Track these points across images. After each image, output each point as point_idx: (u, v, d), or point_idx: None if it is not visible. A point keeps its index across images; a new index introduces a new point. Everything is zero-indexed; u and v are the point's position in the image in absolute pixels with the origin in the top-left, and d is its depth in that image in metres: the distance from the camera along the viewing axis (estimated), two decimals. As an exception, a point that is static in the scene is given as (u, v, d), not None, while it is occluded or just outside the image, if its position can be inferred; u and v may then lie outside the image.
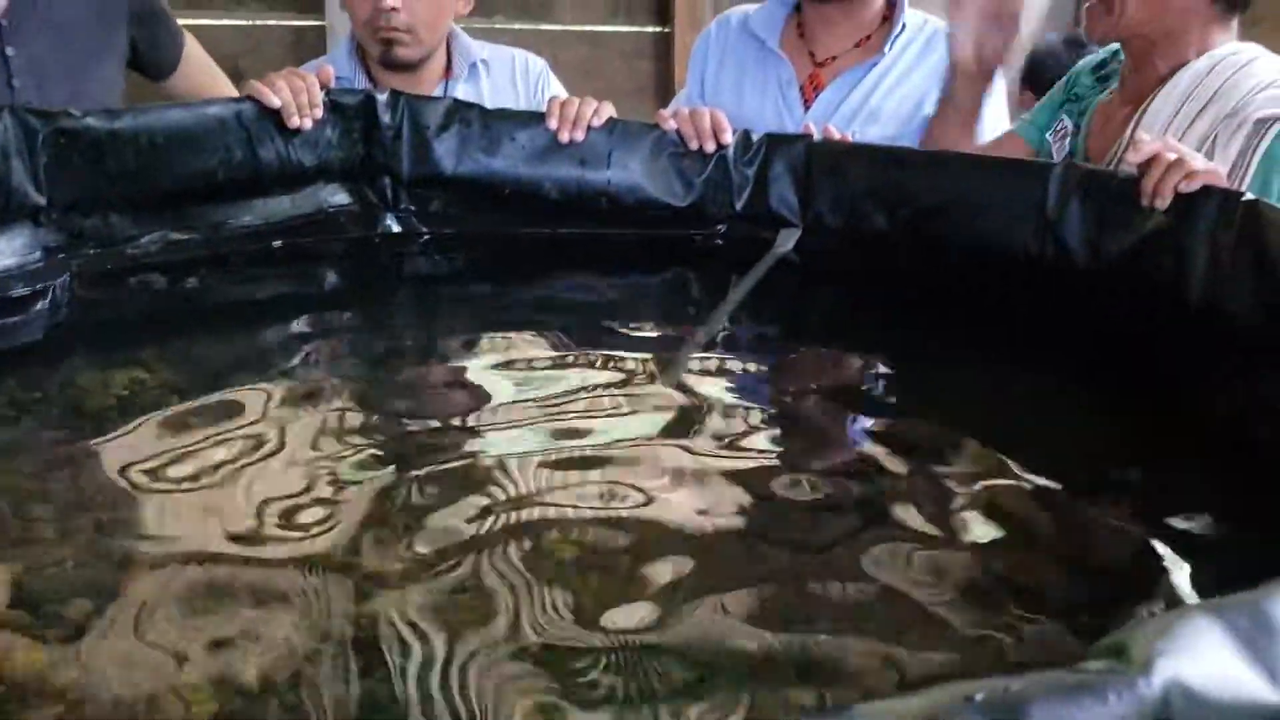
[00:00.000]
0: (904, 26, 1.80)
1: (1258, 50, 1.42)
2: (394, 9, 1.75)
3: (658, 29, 3.29)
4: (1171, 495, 1.00)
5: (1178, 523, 0.94)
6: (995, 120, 1.71)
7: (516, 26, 3.18)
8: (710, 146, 1.57)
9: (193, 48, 1.91)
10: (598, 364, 1.33)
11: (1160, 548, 0.90)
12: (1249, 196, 1.11)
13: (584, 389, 1.23)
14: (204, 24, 2.89)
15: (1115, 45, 1.58)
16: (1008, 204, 1.33)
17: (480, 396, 1.23)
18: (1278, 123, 1.31)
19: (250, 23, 2.98)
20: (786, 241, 1.56)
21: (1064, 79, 1.66)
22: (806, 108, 1.81)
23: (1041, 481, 1.02)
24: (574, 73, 3.20)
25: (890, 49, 1.79)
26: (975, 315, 1.37)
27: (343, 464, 1.02)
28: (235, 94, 1.72)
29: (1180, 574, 0.86)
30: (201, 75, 1.92)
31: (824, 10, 1.81)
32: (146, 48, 1.84)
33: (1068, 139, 1.54)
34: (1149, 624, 0.43)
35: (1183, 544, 0.90)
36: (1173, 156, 1.16)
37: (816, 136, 1.56)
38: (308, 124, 1.48)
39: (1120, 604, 0.84)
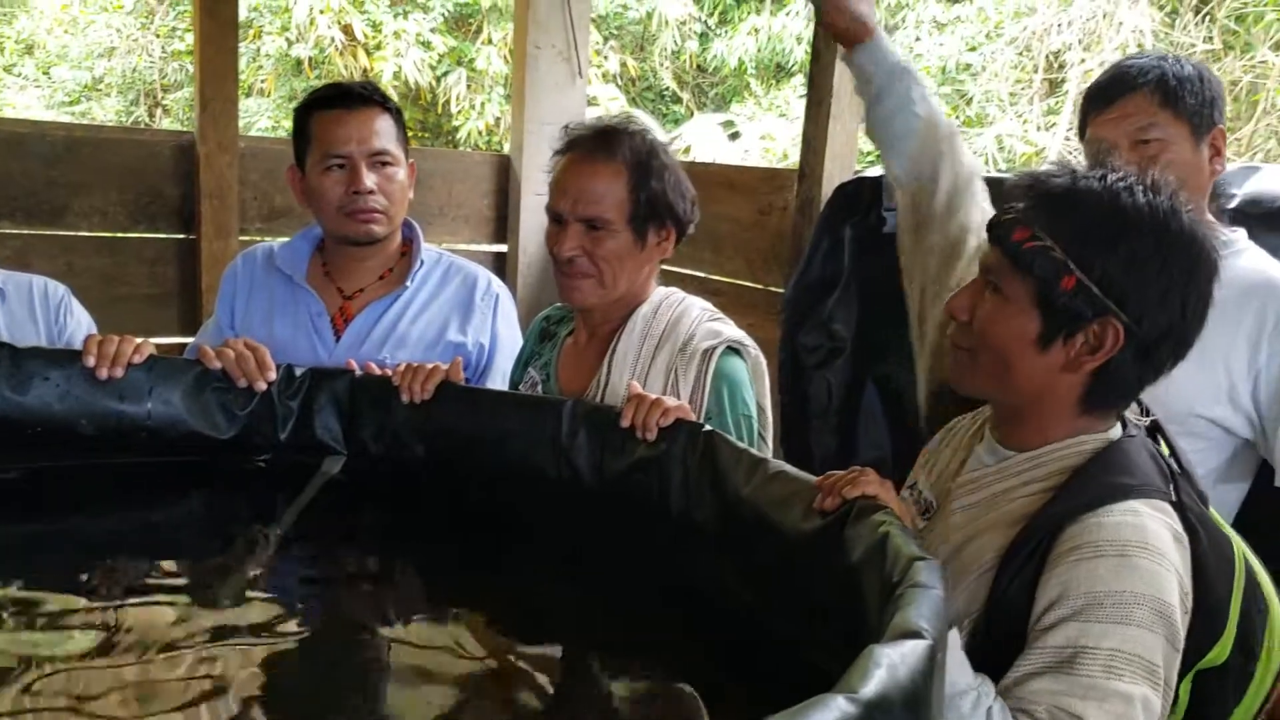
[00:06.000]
0: (422, 261, 2.01)
1: (680, 292, 1.80)
2: None
3: (182, 235, 3.27)
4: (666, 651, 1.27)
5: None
6: None
7: (26, 232, 3.02)
8: (257, 385, 1.65)
9: None
10: (137, 597, 1.33)
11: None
12: (708, 428, 1.43)
13: (122, 627, 1.23)
14: None
15: (550, 310, 1.93)
16: (529, 435, 1.56)
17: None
18: (717, 350, 1.68)
19: None
20: (331, 467, 1.68)
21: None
22: (338, 337, 1.95)
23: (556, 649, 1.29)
24: (93, 280, 3.11)
25: (412, 281, 1.99)
26: (504, 530, 1.57)
27: None
28: None
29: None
30: None
31: (348, 249, 1.97)
32: None
33: (538, 387, 1.82)
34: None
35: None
36: (652, 397, 1.46)
37: (358, 372, 1.71)
38: None
39: None
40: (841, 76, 2.66)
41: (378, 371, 1.71)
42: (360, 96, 1.88)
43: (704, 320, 1.71)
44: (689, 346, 1.67)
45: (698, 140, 8.76)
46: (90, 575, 1.39)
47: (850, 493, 1.14)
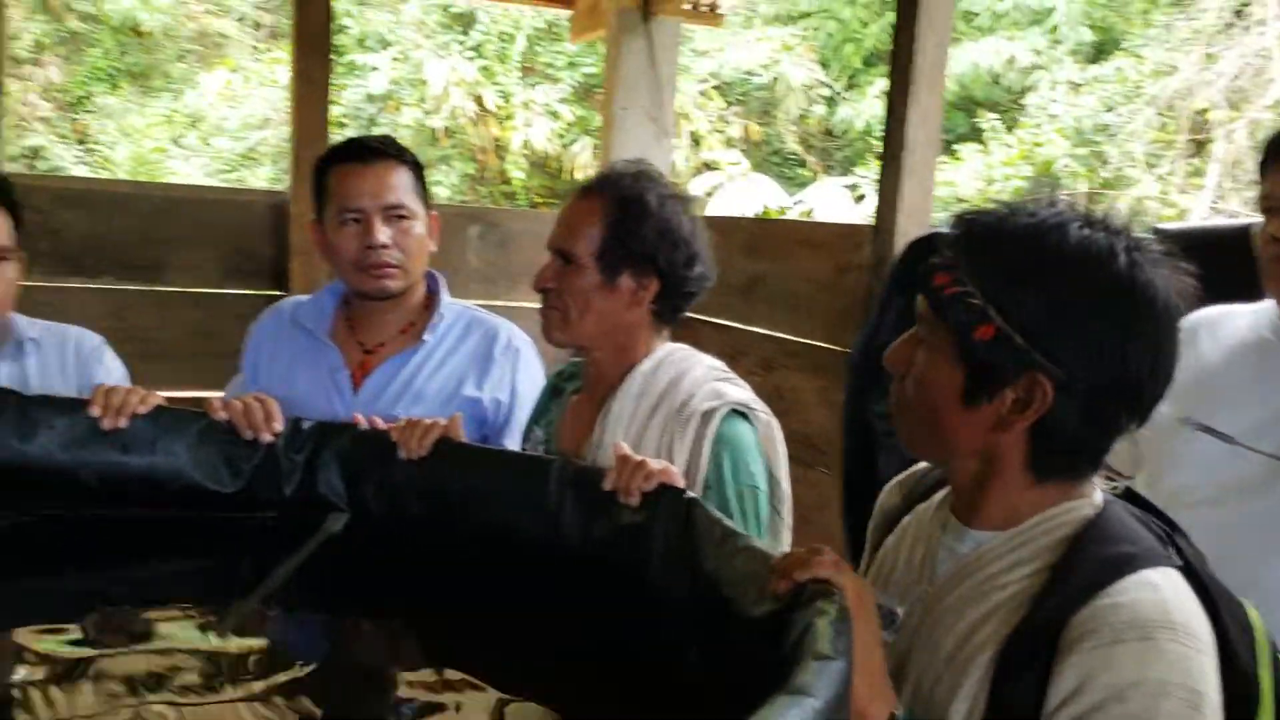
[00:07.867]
0: (443, 315, 1.97)
1: (688, 350, 1.70)
2: None
3: (274, 291, 3.35)
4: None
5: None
6: None
7: (121, 287, 3.15)
8: (262, 436, 1.63)
9: None
10: (128, 651, 1.31)
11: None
12: (690, 495, 1.32)
13: (114, 678, 1.22)
14: None
15: (564, 366, 1.85)
16: (518, 495, 1.49)
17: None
18: (717, 412, 1.57)
19: None
20: (334, 525, 1.63)
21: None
22: (356, 391, 1.93)
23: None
24: (186, 334, 3.21)
25: (432, 335, 1.95)
26: (494, 593, 1.48)
27: None
28: None
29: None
30: None
31: (367, 303, 1.96)
32: None
33: (540, 446, 1.74)
34: None
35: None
36: (637, 459, 1.37)
37: (364, 426, 1.66)
38: None
39: None
40: (916, 128, 2.54)
41: (381, 425, 1.66)
42: (375, 150, 1.88)
43: (708, 380, 1.61)
44: (687, 407, 1.56)
45: (821, 203, 8.65)
46: (87, 629, 1.37)
47: (800, 575, 1.02)
